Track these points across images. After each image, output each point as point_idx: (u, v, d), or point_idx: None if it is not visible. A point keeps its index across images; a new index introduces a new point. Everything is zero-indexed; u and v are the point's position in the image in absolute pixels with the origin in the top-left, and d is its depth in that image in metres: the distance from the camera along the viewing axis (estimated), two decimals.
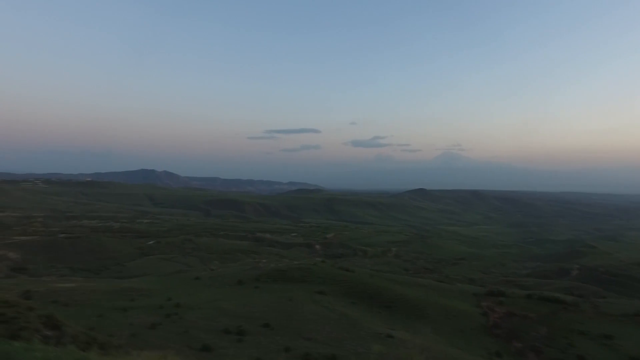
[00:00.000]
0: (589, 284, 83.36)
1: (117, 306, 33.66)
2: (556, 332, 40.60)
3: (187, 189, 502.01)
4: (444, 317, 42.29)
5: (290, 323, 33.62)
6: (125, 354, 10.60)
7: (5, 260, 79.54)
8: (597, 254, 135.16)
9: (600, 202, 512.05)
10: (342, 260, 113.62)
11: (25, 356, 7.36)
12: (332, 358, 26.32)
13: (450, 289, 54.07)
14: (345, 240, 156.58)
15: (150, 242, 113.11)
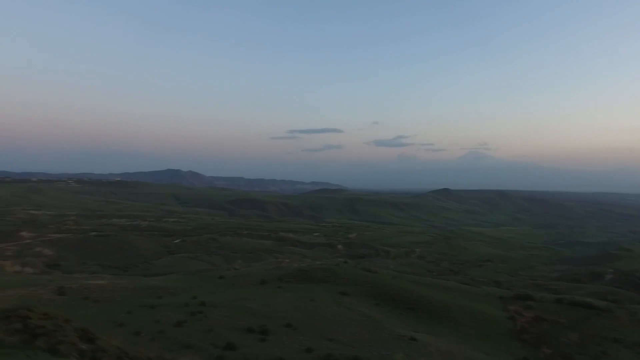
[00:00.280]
0: (624, 289, 79.73)
1: (145, 303, 34.59)
2: (588, 339, 39.08)
3: (212, 188, 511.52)
4: (469, 321, 41.40)
5: (313, 323, 33.70)
6: None
7: (41, 256, 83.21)
8: (633, 257, 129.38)
9: (636, 203, 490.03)
10: (365, 260, 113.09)
11: None
12: None
13: (476, 292, 52.85)
14: (367, 240, 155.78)
15: (176, 241, 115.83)
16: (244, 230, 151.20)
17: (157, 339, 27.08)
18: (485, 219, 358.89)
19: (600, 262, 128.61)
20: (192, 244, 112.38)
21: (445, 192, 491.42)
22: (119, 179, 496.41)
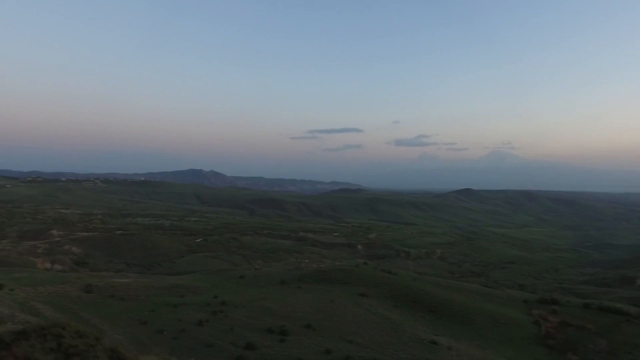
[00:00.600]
0: None
1: (168, 302, 35.37)
2: (618, 346, 37.67)
3: (233, 188, 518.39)
4: (491, 325, 40.57)
5: (332, 324, 33.71)
6: None
7: (70, 254, 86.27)
8: None
9: None
10: (385, 261, 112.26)
11: None
12: None
13: (499, 295, 51.71)
14: (387, 241, 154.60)
15: (198, 240, 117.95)
16: (264, 230, 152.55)
17: (180, 338, 27.67)
18: (509, 220, 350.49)
19: (631, 265, 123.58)
20: (213, 243, 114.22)
21: (467, 192, 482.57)
22: (143, 178, 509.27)
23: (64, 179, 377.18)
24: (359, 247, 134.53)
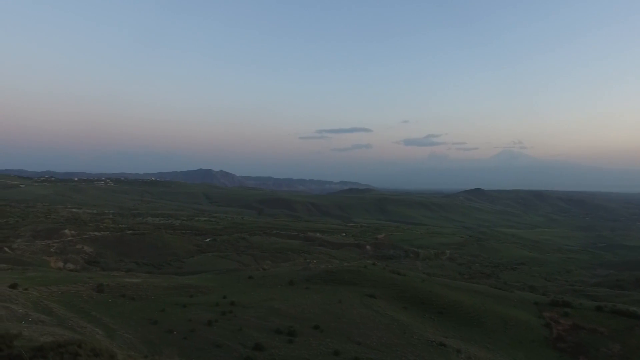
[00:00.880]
0: None
1: (178, 302, 35.70)
2: (632, 350, 37.02)
3: (242, 188, 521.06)
4: (501, 327, 40.19)
5: (340, 326, 33.72)
6: None
7: (82, 253, 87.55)
8: None
9: None
10: (393, 262, 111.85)
11: None
12: None
13: (509, 297, 51.17)
14: (396, 241, 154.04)
15: (207, 240, 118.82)
16: (273, 230, 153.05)
17: (189, 338, 27.92)
18: (520, 220, 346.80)
19: None
20: (222, 243, 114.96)
21: (477, 192, 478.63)
22: (153, 178, 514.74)
23: (76, 179, 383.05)
24: (368, 247, 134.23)
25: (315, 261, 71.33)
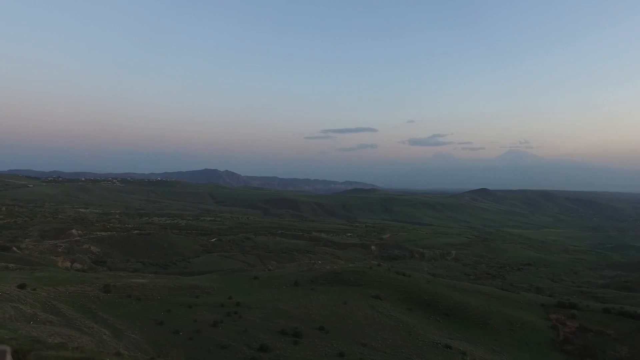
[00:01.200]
0: None
1: (183, 302, 35.90)
2: None
3: (247, 188, 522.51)
4: (507, 329, 39.98)
5: (345, 327, 33.74)
6: None
7: (89, 253, 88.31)
8: None
9: None
10: (398, 262, 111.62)
11: None
12: None
13: (515, 298, 50.91)
14: (401, 241, 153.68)
15: (213, 240, 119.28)
16: (278, 230, 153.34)
17: (195, 339, 28.08)
18: (526, 221, 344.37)
19: None
20: (227, 243, 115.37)
21: (483, 192, 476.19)
22: (159, 178, 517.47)
23: (83, 179, 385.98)
24: (373, 247, 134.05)
25: (320, 262, 71.39)
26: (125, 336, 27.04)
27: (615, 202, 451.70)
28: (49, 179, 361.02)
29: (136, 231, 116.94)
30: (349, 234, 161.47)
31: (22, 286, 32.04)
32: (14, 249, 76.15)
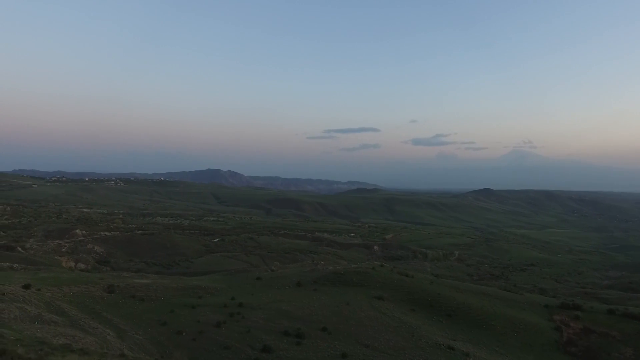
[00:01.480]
0: None
1: (187, 303, 36.01)
2: None
3: (250, 188, 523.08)
4: (510, 330, 39.88)
5: (348, 328, 33.75)
6: None
7: (92, 253, 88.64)
8: None
9: None
10: (401, 262, 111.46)
11: None
12: None
13: (518, 299, 50.76)
14: (404, 241, 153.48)
15: (216, 240, 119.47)
16: (281, 230, 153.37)
17: (198, 339, 28.17)
18: (530, 221, 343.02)
19: None
20: (230, 243, 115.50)
21: (486, 192, 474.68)
22: (162, 178, 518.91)
23: (86, 179, 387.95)
24: (376, 248, 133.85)
25: (323, 262, 71.42)
26: (129, 337, 27.16)
27: (619, 202, 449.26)
28: (53, 179, 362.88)
29: (139, 231, 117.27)
30: (351, 234, 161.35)
31: (26, 286, 32.26)
32: (19, 249, 76.56)
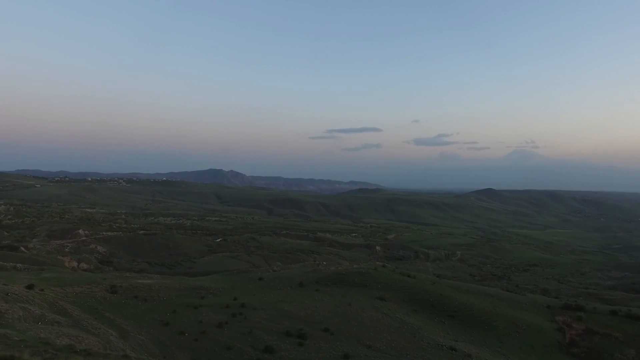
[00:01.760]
0: None
1: (189, 303, 36.10)
2: None
3: (252, 188, 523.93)
4: (512, 331, 39.83)
5: (350, 329, 33.78)
6: None
7: (95, 253, 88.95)
8: None
9: None
10: (403, 262, 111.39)
11: None
12: None
13: (521, 300, 50.68)
14: (406, 241, 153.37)
15: (218, 240, 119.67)
16: (283, 230, 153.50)
17: (200, 340, 28.24)
18: (532, 221, 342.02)
19: None
20: (232, 244, 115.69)
21: (488, 192, 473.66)
22: (165, 178, 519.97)
23: (89, 179, 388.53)
24: (378, 248, 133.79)
25: (325, 262, 71.44)
26: (131, 337, 27.26)
27: (622, 203, 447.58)
28: (56, 179, 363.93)
29: (142, 231, 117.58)
30: (353, 234, 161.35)
31: (30, 287, 32.41)
32: (22, 248, 76.94)
